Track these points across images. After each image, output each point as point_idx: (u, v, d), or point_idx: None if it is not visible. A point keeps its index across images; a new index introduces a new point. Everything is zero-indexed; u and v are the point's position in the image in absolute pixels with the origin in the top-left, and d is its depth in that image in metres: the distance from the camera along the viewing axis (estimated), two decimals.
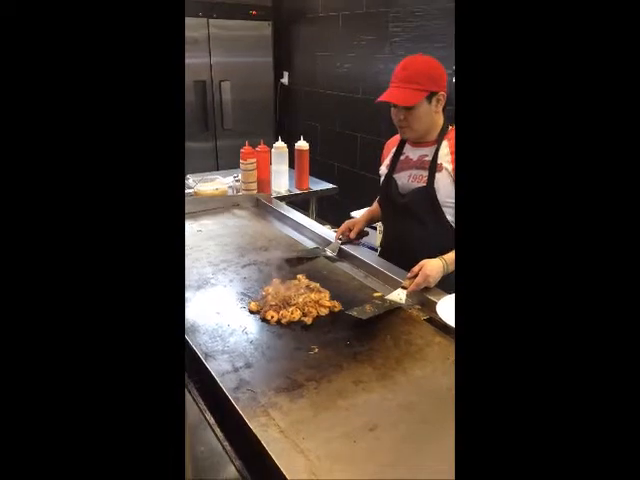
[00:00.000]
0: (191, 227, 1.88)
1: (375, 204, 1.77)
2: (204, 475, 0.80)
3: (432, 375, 1.02)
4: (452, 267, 1.34)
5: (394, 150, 1.60)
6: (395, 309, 1.27)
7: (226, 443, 0.86)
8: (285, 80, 4.19)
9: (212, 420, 0.92)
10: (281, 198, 2.41)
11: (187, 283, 1.40)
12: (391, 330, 1.18)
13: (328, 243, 1.70)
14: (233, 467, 0.81)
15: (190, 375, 1.04)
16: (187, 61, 3.57)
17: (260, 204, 2.14)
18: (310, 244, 1.74)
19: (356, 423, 0.88)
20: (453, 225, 1.44)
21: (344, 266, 1.57)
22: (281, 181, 2.53)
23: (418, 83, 1.40)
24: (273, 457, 0.78)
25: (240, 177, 2.37)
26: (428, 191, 1.45)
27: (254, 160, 2.32)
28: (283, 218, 1.98)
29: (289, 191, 2.57)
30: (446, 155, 1.45)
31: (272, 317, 1.20)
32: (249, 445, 0.84)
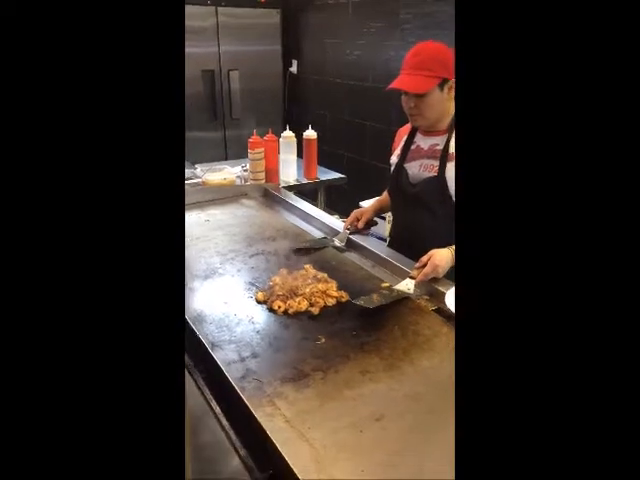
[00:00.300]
0: (199, 217, 1.88)
1: (385, 194, 1.75)
2: (209, 464, 0.80)
3: (439, 366, 1.01)
4: None
5: (405, 139, 1.58)
6: (403, 299, 1.26)
7: (231, 432, 0.86)
8: (294, 69, 4.15)
9: (218, 409, 0.92)
10: (289, 188, 2.40)
11: (194, 273, 1.40)
12: (399, 320, 1.17)
13: (336, 233, 1.69)
14: (238, 456, 0.81)
15: (196, 364, 1.04)
16: (195, 50, 3.56)
17: (268, 194, 2.14)
18: (318, 234, 1.73)
19: (362, 413, 0.87)
20: None
21: (352, 256, 1.56)
22: (289, 171, 2.52)
23: (430, 70, 1.37)
24: (278, 446, 0.78)
25: (248, 167, 2.37)
26: (439, 181, 1.43)
27: (262, 150, 2.31)
28: (291, 208, 1.97)
29: (297, 181, 2.56)
30: None
31: (279, 307, 1.20)
32: (254, 434, 0.84)
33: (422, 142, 1.53)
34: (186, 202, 1.96)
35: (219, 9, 3.63)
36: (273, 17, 3.88)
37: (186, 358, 1.06)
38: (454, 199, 1.42)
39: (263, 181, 2.33)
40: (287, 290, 1.24)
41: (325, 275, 1.33)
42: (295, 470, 0.74)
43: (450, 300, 1.20)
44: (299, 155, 2.56)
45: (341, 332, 1.12)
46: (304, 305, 1.20)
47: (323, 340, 1.09)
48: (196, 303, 1.24)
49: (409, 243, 1.54)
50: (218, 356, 1.02)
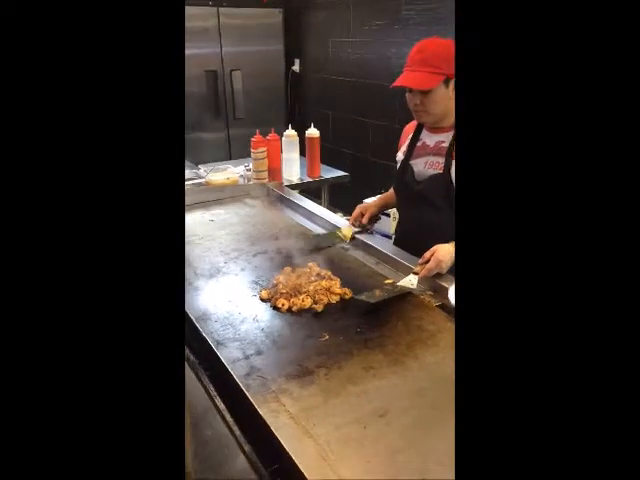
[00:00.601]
0: (203, 217, 1.88)
1: (390, 190, 1.75)
2: (213, 460, 0.81)
3: (443, 361, 1.01)
4: None
5: (411, 136, 1.58)
6: (407, 295, 1.26)
7: (236, 428, 0.87)
8: (296, 67, 4.15)
9: (222, 406, 0.92)
10: (292, 186, 2.40)
11: (199, 272, 1.41)
12: (402, 316, 1.17)
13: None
14: (242, 453, 0.82)
15: (201, 362, 1.05)
16: (198, 51, 3.56)
17: (271, 193, 2.14)
18: (322, 232, 1.74)
19: (366, 409, 0.88)
20: None
21: (356, 253, 1.57)
22: (292, 169, 2.52)
23: (434, 66, 1.36)
24: (283, 442, 0.78)
25: (251, 166, 2.37)
26: (445, 178, 1.42)
27: (264, 149, 2.31)
28: (294, 206, 1.97)
29: (300, 179, 2.56)
30: None
31: (283, 305, 1.21)
32: (259, 431, 0.84)
33: (428, 139, 1.53)
34: (190, 202, 1.98)
35: (220, 10, 3.64)
36: (275, 17, 3.88)
37: (191, 356, 1.07)
38: None
39: (266, 180, 2.33)
40: (291, 288, 1.24)
41: (329, 272, 1.33)
42: (300, 466, 0.74)
43: (453, 295, 1.20)
44: (302, 154, 2.56)
45: (345, 329, 1.12)
46: (308, 302, 1.21)
47: (327, 337, 1.09)
48: (201, 302, 1.25)
49: (415, 240, 1.54)
50: (223, 354, 1.02)
